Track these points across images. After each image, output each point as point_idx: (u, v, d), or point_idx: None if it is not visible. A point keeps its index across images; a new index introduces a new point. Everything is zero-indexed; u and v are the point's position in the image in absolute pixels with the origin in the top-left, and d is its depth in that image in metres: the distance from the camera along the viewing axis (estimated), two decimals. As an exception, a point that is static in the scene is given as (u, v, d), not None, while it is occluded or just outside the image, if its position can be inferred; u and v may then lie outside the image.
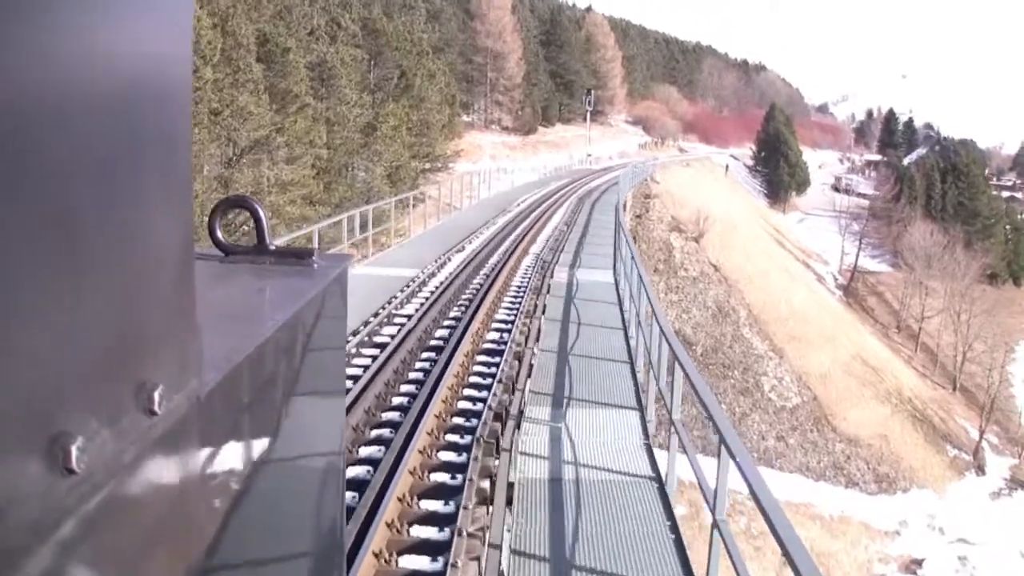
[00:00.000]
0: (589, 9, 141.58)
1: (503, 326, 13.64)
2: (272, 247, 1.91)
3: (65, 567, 0.80)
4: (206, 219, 1.95)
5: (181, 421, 1.06)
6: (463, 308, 14.85)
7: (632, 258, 13.87)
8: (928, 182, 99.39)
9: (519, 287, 17.18)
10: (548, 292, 16.87)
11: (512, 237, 25.14)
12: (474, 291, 16.47)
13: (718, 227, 65.53)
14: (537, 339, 13.25)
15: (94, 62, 0.83)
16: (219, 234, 1.90)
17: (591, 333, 14.36)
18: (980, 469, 58.70)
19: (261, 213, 1.86)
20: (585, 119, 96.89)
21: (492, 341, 12.86)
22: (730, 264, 64.18)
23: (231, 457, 1.31)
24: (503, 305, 15.42)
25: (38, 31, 0.72)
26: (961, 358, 72.50)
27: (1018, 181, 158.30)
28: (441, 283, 17.05)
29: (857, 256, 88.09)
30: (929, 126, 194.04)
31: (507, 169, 68.41)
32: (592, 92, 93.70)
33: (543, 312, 14.84)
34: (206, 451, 1.18)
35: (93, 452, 0.82)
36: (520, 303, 15.21)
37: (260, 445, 1.48)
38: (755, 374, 54.08)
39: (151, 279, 1.01)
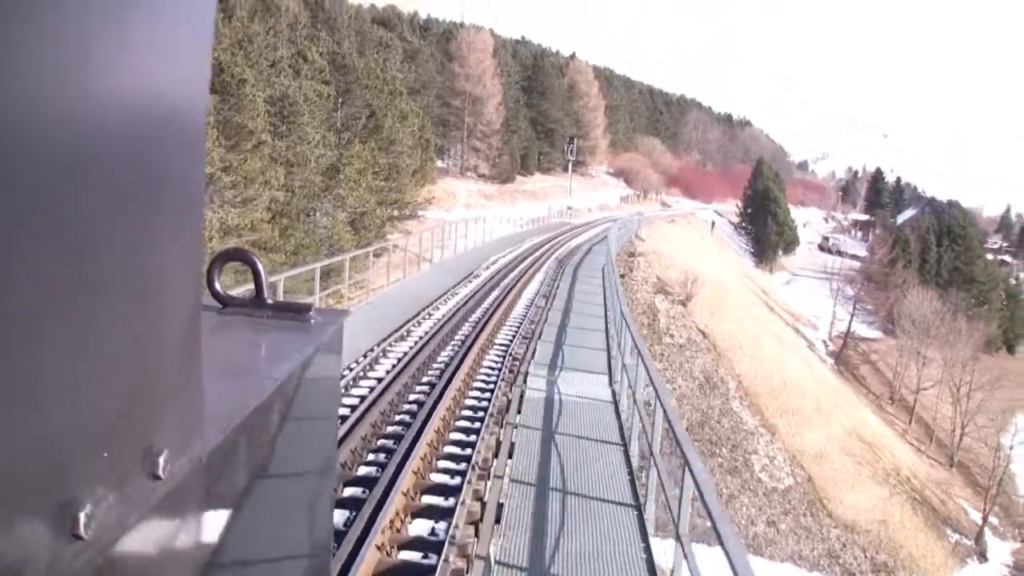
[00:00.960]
0: (573, 56, 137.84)
1: (440, 504, 8.48)
2: (269, 301, 1.92)
3: None
4: None
5: (184, 484, 1.07)
6: (379, 461, 9.78)
7: (650, 377, 9.24)
8: (923, 245, 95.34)
9: (474, 411, 12.12)
10: (516, 423, 11.67)
11: (475, 317, 20.03)
12: (404, 421, 11.44)
13: (707, 290, 60.98)
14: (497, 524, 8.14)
15: (110, 105, 0.83)
16: (217, 286, 1.90)
17: (586, 512, 8.77)
18: (982, 555, 55.23)
19: (259, 266, 1.88)
20: (566, 169, 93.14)
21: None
22: (719, 330, 59.67)
23: (229, 517, 1.32)
24: (444, 452, 10.37)
25: (57, 75, 0.72)
26: (959, 433, 68.88)
27: (1004, 244, 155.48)
28: (361, 403, 11.81)
29: (850, 322, 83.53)
30: (913, 188, 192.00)
31: (483, 218, 63.10)
32: (575, 140, 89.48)
33: (507, 472, 9.63)
34: (206, 513, 1.20)
35: (100, 518, 0.83)
36: (474, 449, 10.15)
37: (257, 505, 1.48)
38: (744, 452, 49.98)
39: (162, 338, 1.01)
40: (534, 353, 16.42)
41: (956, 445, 68.60)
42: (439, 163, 79.72)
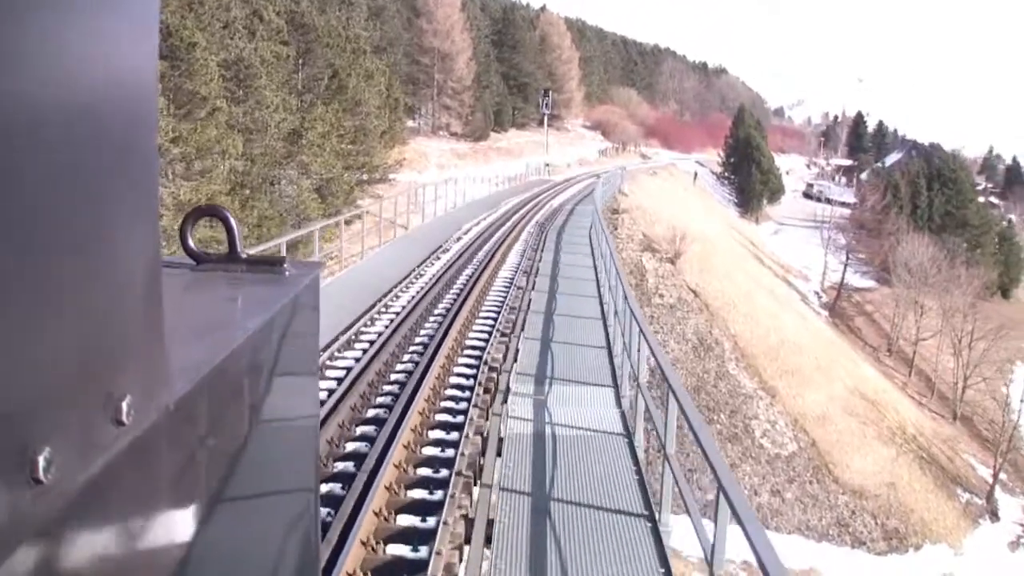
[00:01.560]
0: (543, 8, 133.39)
1: None
2: (244, 255, 1.92)
3: None
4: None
5: (150, 431, 1.07)
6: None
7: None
8: (913, 190, 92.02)
9: (434, 470, 8.55)
10: (496, 484, 8.05)
11: (443, 306, 16.53)
12: (352, 467, 8.03)
13: (695, 246, 57.56)
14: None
15: (58, 67, 0.83)
16: (191, 243, 1.91)
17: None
18: (994, 514, 52.72)
19: (233, 222, 1.88)
20: (541, 124, 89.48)
21: None
22: (711, 288, 56.36)
23: (201, 467, 1.32)
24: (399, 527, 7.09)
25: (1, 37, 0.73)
26: (962, 386, 66.02)
27: (989, 186, 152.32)
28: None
29: (844, 272, 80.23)
30: (893, 131, 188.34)
31: (454, 180, 60.72)
32: (550, 93, 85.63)
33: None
34: (176, 461, 1.21)
35: (60, 462, 0.82)
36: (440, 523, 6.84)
37: (231, 455, 1.48)
38: (744, 417, 47.22)
39: (118, 288, 1.02)
40: (516, 356, 12.89)
41: (959, 398, 65.90)
42: (409, 123, 75.93)
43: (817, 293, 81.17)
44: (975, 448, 61.16)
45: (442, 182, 47.22)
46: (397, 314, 15.49)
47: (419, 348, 13.39)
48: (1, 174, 0.72)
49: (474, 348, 13.48)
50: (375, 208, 33.75)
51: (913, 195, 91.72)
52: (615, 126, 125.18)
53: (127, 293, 1.03)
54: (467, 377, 11.74)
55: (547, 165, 76.56)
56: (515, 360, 12.61)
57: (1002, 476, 56.86)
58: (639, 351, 10.04)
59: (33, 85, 0.77)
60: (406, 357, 12.96)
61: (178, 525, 1.19)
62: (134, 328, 1.04)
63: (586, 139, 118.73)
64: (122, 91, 0.99)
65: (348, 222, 31.63)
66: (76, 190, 0.87)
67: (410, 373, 11.85)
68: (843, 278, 79.96)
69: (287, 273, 1.90)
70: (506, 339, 13.97)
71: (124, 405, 0.97)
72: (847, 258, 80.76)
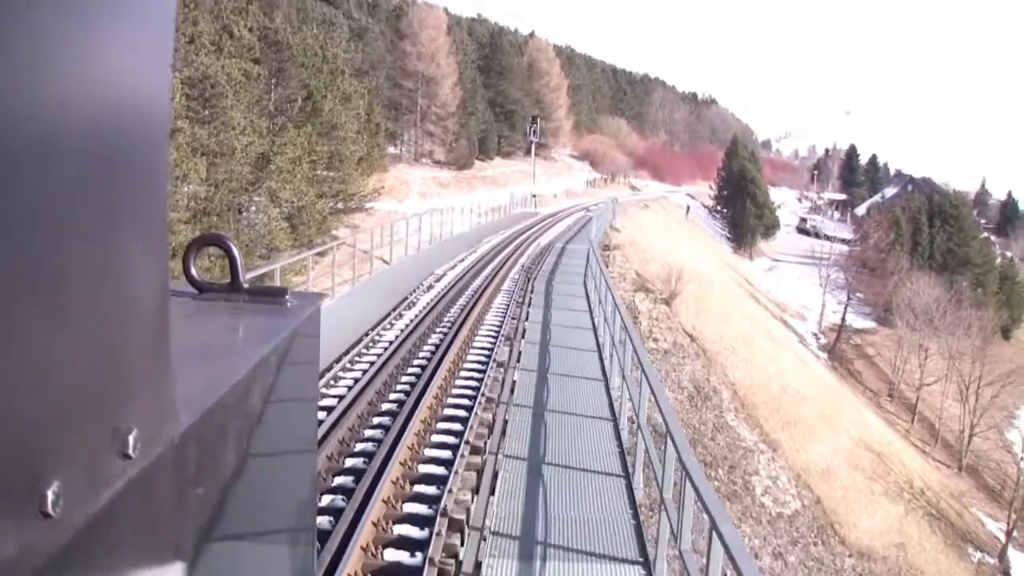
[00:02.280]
0: (532, 34, 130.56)
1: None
2: (246, 286, 1.93)
3: None
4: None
5: (155, 464, 1.07)
6: None
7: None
8: (914, 227, 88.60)
9: None
10: None
11: (393, 399, 12.51)
12: None
13: (691, 286, 53.97)
14: None
15: (72, 92, 0.83)
16: (193, 272, 1.93)
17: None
18: (1006, 575, 50.61)
19: (235, 252, 1.89)
20: (527, 152, 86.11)
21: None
22: (708, 331, 52.89)
23: (204, 498, 1.33)
24: None
25: (13, 60, 0.72)
26: (968, 433, 63.08)
27: (983, 221, 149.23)
28: None
29: (844, 313, 76.49)
30: (884, 165, 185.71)
31: (432, 211, 56.57)
32: (538, 121, 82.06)
33: None
34: (179, 491, 1.21)
35: (68, 496, 0.83)
36: None
37: (233, 485, 1.50)
38: (744, 473, 43.58)
39: (128, 321, 1.02)
40: (498, 468, 8.90)
41: (965, 447, 63.05)
42: (391, 149, 73.51)
43: (816, 335, 77.45)
44: (983, 500, 58.82)
45: (423, 213, 43.95)
46: (322, 419, 10.86)
47: (348, 483, 9.25)
48: (13, 205, 0.71)
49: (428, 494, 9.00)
50: (350, 239, 30.71)
51: (914, 232, 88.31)
52: (604, 156, 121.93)
53: (136, 327, 1.02)
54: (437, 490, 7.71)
55: (534, 196, 72.56)
56: (491, 503, 8.52)
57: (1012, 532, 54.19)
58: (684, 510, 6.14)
59: (44, 111, 0.76)
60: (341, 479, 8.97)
61: (180, 554, 1.19)
62: (142, 362, 1.04)
63: (574, 169, 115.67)
64: (133, 115, 0.98)
65: (321, 254, 29.84)
66: (87, 222, 0.86)
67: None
68: (843, 319, 76.23)
69: (289, 304, 1.90)
70: (479, 459, 9.92)
71: (131, 439, 0.98)
72: (848, 298, 77.00)
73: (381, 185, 58.00)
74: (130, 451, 0.96)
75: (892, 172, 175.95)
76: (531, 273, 27.35)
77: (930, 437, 66.15)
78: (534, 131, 79.64)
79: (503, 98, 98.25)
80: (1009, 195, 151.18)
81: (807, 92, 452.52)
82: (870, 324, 79.95)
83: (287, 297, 1.92)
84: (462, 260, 30.33)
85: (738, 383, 49.43)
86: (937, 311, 68.43)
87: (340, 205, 50.95)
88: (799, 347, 69.18)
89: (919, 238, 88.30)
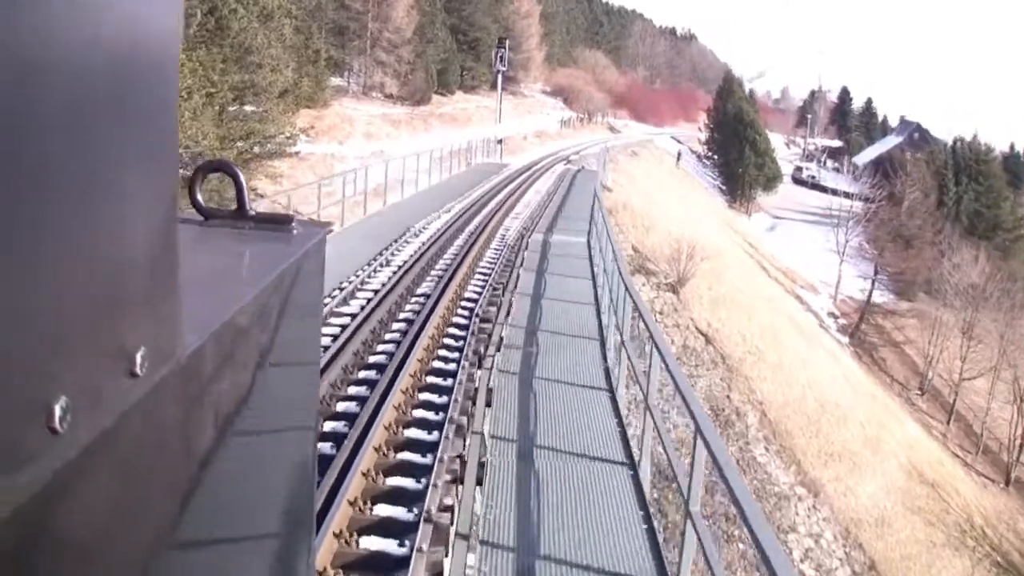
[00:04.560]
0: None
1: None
2: (252, 212, 1.95)
3: (46, 526, 0.83)
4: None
5: (162, 383, 1.09)
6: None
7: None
8: (940, 184, 76.58)
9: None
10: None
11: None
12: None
13: (704, 265, 41.51)
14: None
15: (76, 17, 0.83)
16: (199, 198, 1.94)
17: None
18: None
19: (242, 179, 1.91)
20: (494, 87, 73.14)
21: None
22: (726, 329, 40.59)
23: (210, 420, 1.36)
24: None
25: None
26: (1020, 442, 52.07)
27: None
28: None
29: (871, 293, 64.37)
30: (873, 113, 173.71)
31: (384, 152, 46.56)
32: (505, 45, 68.88)
33: None
34: (186, 413, 1.25)
35: (75, 413, 0.85)
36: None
37: (238, 408, 1.52)
38: (779, 531, 32.16)
39: (136, 242, 1.04)
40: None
41: (1013, 458, 52.09)
42: (336, 80, 62.12)
43: (833, 314, 65.22)
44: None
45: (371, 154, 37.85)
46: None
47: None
48: (19, 122, 0.74)
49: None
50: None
51: (939, 191, 76.41)
52: (579, 93, 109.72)
53: (143, 246, 1.05)
54: None
55: (499, 142, 58.53)
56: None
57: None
58: None
59: (51, 34, 0.77)
60: None
61: (186, 471, 1.23)
62: (149, 283, 1.06)
63: (546, 106, 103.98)
64: (144, 40, 0.99)
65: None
66: (95, 140, 0.88)
67: None
68: (869, 299, 64.02)
69: (294, 232, 1.93)
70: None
71: (138, 357, 0.99)
72: (875, 274, 64.80)
73: (310, 126, 45.70)
74: (137, 369, 0.99)
75: (880, 117, 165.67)
76: (495, 296, 14.48)
77: (969, 442, 55.15)
78: (500, 57, 66.23)
79: (467, 24, 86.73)
80: (1012, 147, 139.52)
81: (775, 29, 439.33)
82: (889, 298, 68.04)
83: (293, 225, 1.93)
84: (394, 252, 17.56)
85: (767, 401, 37.41)
86: (987, 288, 57.01)
87: (256, 149, 39.04)
88: (820, 333, 57.05)
89: (945, 197, 76.39)
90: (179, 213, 1.35)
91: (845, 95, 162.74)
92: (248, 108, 36.87)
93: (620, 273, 11.89)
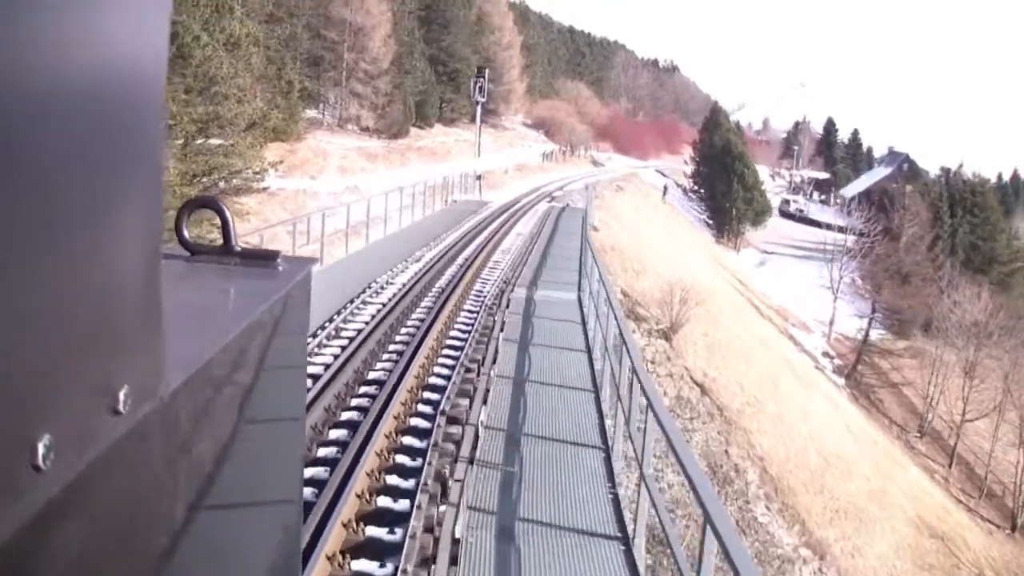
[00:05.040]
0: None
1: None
2: (238, 248, 1.96)
3: (30, 563, 0.82)
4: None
5: (145, 421, 1.10)
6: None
7: None
8: (934, 216, 74.57)
9: None
10: None
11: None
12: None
13: (699, 309, 39.07)
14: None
15: (63, 51, 0.84)
16: (185, 234, 1.95)
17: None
18: None
19: (228, 214, 1.92)
20: (474, 120, 70.67)
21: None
22: (723, 378, 38.24)
23: (194, 457, 1.37)
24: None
25: (13, 20, 0.74)
26: None
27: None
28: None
29: (867, 332, 62.06)
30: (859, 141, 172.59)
31: (359, 188, 45.10)
32: (485, 75, 66.44)
33: None
34: (169, 451, 1.24)
35: (59, 450, 0.85)
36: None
37: (223, 445, 1.52)
38: None
39: (119, 278, 1.05)
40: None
41: (1020, 502, 50.04)
42: (310, 112, 60.25)
43: (828, 354, 62.83)
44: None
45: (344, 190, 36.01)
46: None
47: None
48: (3, 161, 0.73)
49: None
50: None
51: (933, 224, 74.40)
52: (561, 125, 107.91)
53: (128, 283, 1.05)
54: None
55: (479, 178, 55.13)
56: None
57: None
58: None
59: (38, 70, 0.78)
60: None
61: (169, 512, 1.23)
62: (133, 318, 1.07)
63: (528, 139, 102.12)
64: (129, 75, 1.00)
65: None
66: (80, 178, 0.89)
67: None
68: (866, 338, 61.67)
69: (280, 268, 1.94)
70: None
71: (121, 395, 0.99)
72: (872, 312, 62.48)
73: (279, 160, 43.15)
74: (120, 407, 0.99)
75: (865, 148, 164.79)
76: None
77: (969, 483, 53.20)
78: (480, 88, 63.68)
79: (447, 55, 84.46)
80: (1000, 177, 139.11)
81: (756, 63, 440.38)
82: (884, 335, 65.86)
83: (279, 261, 1.94)
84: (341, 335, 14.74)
85: (768, 456, 34.92)
86: (990, 326, 55.01)
87: (222, 184, 36.65)
88: (821, 379, 54.66)
89: (940, 231, 74.34)
90: (165, 249, 1.40)
91: (831, 126, 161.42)
92: (214, 141, 34.80)
93: (635, 371, 8.95)
